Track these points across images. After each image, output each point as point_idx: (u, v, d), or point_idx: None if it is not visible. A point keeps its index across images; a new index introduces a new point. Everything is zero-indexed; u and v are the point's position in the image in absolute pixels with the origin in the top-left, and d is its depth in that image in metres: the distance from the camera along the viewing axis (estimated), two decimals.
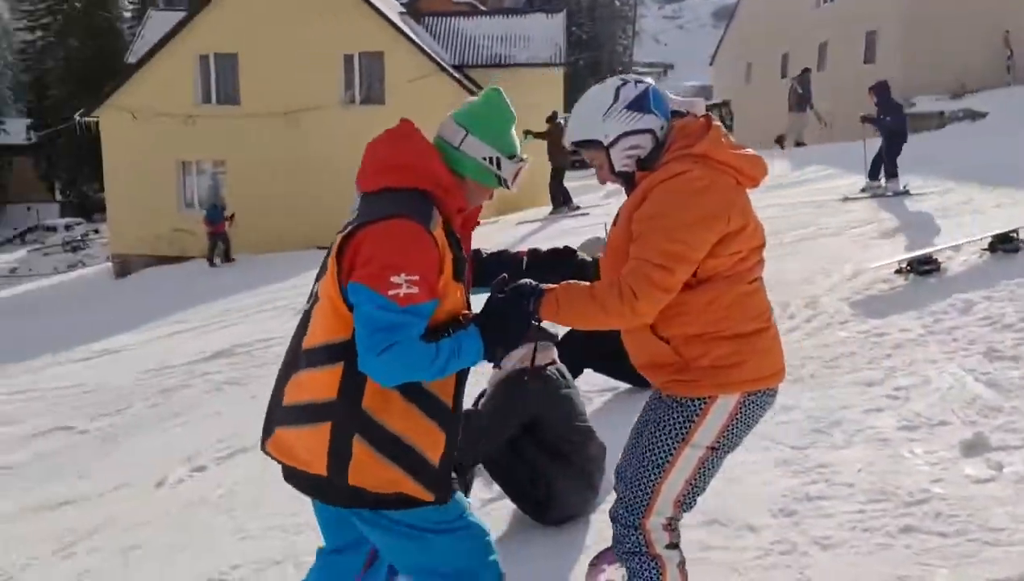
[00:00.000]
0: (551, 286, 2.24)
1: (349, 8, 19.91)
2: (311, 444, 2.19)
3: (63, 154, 49.83)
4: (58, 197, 52.61)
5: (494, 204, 17.94)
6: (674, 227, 2.16)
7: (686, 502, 2.36)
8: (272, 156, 20.03)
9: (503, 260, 2.56)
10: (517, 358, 3.52)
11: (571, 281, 2.27)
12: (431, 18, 24.71)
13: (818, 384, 4.54)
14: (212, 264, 18.59)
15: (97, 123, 21.22)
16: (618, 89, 2.32)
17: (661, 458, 2.30)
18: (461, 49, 23.38)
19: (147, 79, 20.54)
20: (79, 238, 36.24)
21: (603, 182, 2.46)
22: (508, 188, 2.32)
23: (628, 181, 2.37)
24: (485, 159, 2.27)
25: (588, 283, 2.25)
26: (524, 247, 2.70)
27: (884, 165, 10.41)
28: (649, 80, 2.39)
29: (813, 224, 8.94)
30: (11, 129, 55.60)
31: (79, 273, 26.90)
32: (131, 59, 24.28)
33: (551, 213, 15.69)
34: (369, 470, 2.16)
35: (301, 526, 3.93)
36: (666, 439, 2.29)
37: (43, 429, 7.04)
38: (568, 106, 30.25)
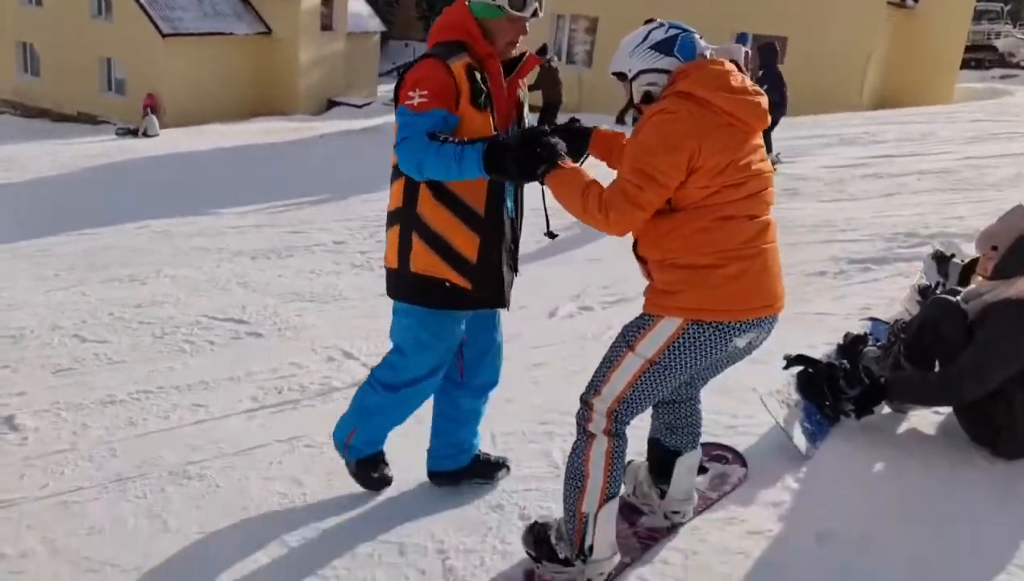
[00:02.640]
0: (568, 164, 2.57)
1: None
2: (391, 243, 2.94)
3: None
4: None
5: None
6: (644, 150, 2.45)
7: (624, 406, 2.63)
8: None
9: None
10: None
11: (582, 170, 2.57)
12: None
13: None
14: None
15: None
16: (649, 32, 2.61)
17: (614, 355, 2.65)
18: None
19: None
20: None
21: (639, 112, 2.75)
22: (519, 12, 2.75)
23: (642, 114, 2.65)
24: None
25: (590, 179, 2.53)
26: None
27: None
28: (688, 29, 2.58)
29: None
30: None
31: None
32: None
33: None
34: (422, 258, 2.86)
35: None
36: (620, 341, 2.64)
37: None
38: None
